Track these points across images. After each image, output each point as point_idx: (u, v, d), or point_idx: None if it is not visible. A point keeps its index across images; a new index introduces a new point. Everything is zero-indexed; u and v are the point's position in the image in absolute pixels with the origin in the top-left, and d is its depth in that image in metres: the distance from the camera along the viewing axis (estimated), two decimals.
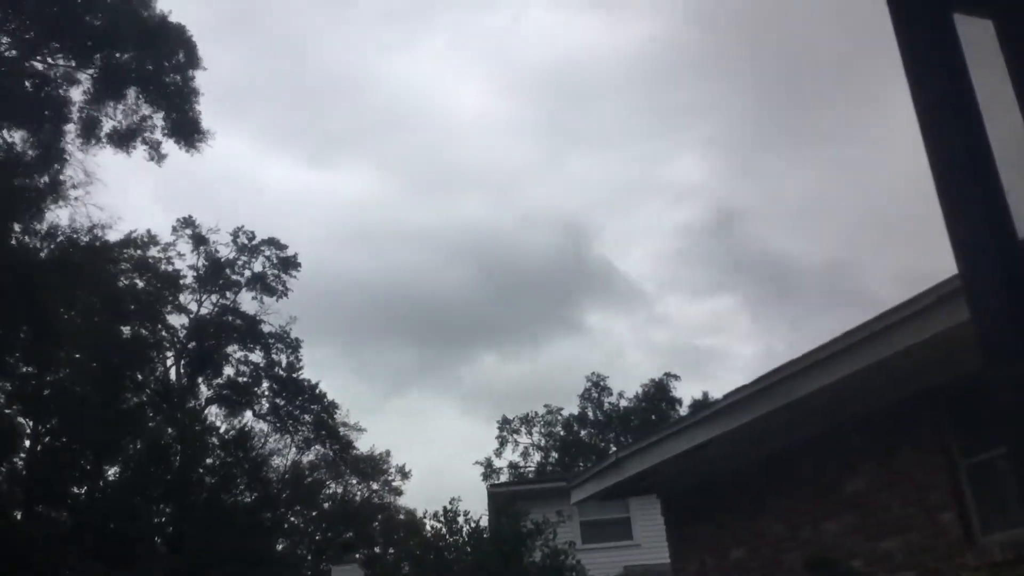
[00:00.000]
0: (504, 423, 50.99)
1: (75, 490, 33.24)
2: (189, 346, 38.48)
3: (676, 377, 51.40)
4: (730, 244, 63.16)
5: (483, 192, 66.59)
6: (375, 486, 48.71)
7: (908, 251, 61.64)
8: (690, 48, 56.33)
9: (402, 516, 47.63)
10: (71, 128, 26.32)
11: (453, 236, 61.90)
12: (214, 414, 39.03)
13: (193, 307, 38.90)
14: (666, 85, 60.72)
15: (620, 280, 64.77)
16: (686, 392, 52.28)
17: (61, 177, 25.96)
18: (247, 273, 39.19)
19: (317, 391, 40.27)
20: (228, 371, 39.05)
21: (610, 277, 64.04)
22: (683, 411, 47.13)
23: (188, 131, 27.63)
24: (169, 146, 27.94)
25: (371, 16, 56.16)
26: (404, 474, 49.12)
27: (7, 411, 28.62)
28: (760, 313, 66.90)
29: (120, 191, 56.74)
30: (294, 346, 39.60)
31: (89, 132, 26.76)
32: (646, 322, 66.16)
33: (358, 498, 47.61)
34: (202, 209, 52.15)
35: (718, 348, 67.19)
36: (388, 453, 48.54)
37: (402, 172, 63.86)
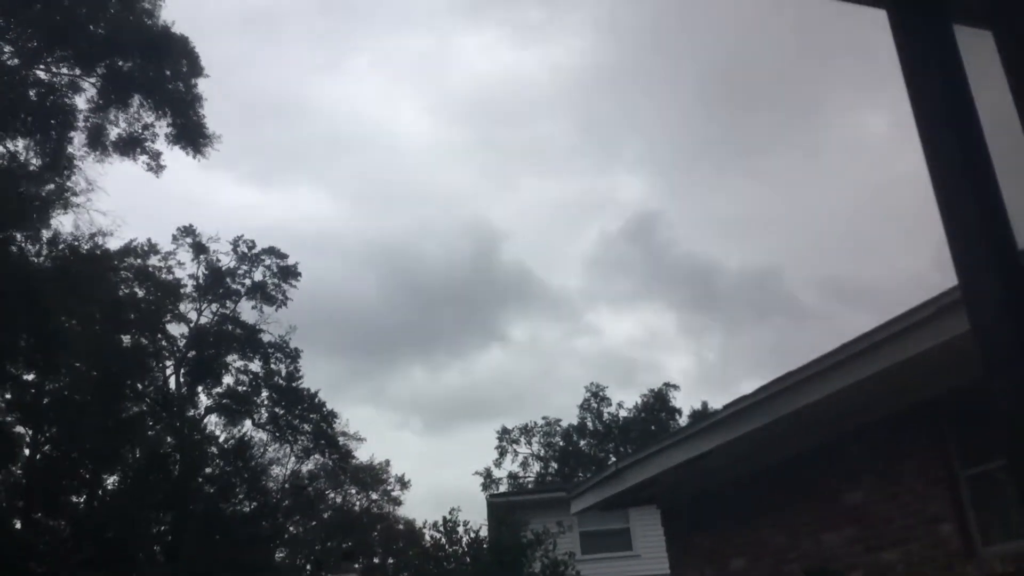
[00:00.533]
0: (503, 433, 50.98)
1: (74, 498, 33.17)
2: (189, 355, 38.41)
3: (675, 387, 51.51)
4: (659, 254, 64.62)
5: (420, 209, 66.78)
6: (374, 496, 48.66)
7: (837, 261, 63.03)
8: (618, 64, 56.97)
9: (401, 526, 47.58)
10: (76, 136, 26.48)
11: (383, 252, 62.54)
12: (213, 423, 39.06)
13: (193, 316, 38.90)
14: (597, 101, 61.80)
15: (552, 292, 65.89)
16: (685, 402, 52.37)
17: (66, 184, 26.07)
18: (247, 282, 39.22)
19: (316, 400, 40.22)
20: (228, 380, 39.03)
21: (540, 289, 65.22)
22: (683, 421, 47.12)
23: (194, 136, 27.76)
24: (176, 152, 28.25)
25: (298, 39, 56.13)
26: (403, 484, 49.10)
27: (7, 419, 28.59)
28: (689, 322, 68.21)
29: (122, 198, 56.47)
30: (293, 355, 39.58)
31: (95, 140, 26.88)
32: (581, 332, 67.40)
33: (357, 507, 47.55)
34: (178, 219, 51.42)
35: (652, 358, 68.22)
36: (388, 463, 48.56)
37: (343, 192, 64.42)
